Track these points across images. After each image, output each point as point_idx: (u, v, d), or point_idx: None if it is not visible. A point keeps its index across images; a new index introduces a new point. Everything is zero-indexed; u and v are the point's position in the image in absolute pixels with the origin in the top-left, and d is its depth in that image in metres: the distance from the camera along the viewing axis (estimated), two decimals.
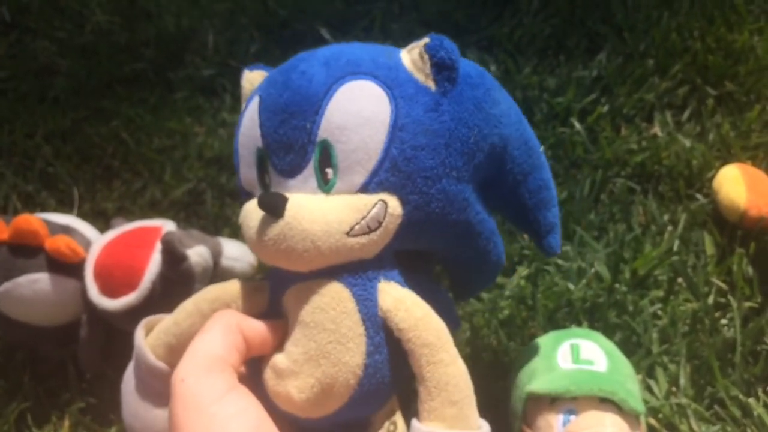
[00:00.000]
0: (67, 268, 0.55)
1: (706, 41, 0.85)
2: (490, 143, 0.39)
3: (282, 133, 0.37)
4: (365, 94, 0.37)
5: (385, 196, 0.37)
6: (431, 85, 0.37)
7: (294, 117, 0.37)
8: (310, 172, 0.37)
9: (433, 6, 0.97)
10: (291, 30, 0.95)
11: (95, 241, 0.57)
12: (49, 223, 0.56)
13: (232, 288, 0.41)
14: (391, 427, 0.41)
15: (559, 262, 0.64)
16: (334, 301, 0.37)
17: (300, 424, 0.39)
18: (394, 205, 0.37)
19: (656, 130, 0.78)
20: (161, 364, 0.41)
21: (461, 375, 0.38)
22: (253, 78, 0.43)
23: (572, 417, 0.43)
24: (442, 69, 0.37)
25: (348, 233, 0.36)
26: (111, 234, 0.57)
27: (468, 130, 0.38)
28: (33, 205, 0.78)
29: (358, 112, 0.36)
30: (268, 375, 0.38)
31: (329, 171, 0.37)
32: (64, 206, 0.78)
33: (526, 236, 0.68)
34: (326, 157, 0.37)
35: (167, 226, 0.57)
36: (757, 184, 0.63)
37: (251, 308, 0.40)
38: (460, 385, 0.38)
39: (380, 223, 0.37)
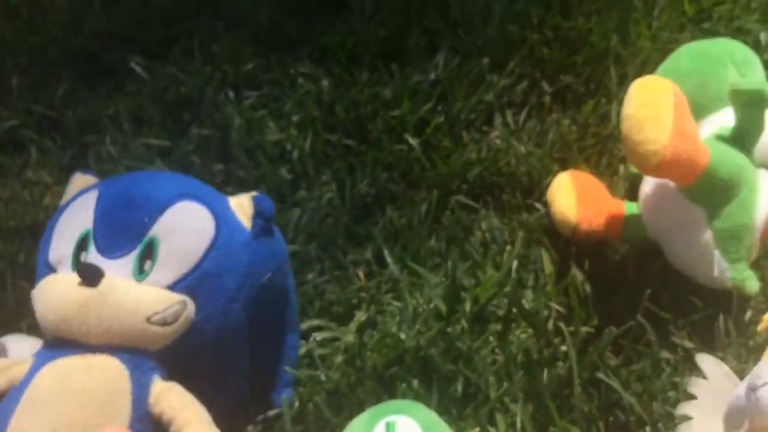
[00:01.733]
0: None
1: (543, 31, 0.81)
2: (279, 288, 0.50)
3: (119, 218, 0.44)
4: (199, 212, 0.45)
5: (186, 299, 0.43)
6: (248, 226, 0.47)
7: (135, 209, 0.44)
8: (130, 259, 0.43)
9: (263, 16, 0.90)
10: (101, 66, 0.85)
11: None
12: None
13: None
14: None
15: (395, 303, 0.59)
16: (113, 378, 0.40)
17: None
18: (191, 310, 0.43)
19: (497, 133, 0.74)
20: None
21: None
22: (85, 180, 0.50)
23: None
24: (260, 217, 0.47)
25: (149, 319, 0.42)
26: None
27: (265, 270, 0.47)
28: None
29: (190, 223, 0.45)
30: None
31: (148, 263, 0.43)
32: None
33: (362, 275, 0.63)
34: (150, 251, 0.43)
35: None
36: (588, 193, 0.60)
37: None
38: None
39: (176, 321, 0.42)
